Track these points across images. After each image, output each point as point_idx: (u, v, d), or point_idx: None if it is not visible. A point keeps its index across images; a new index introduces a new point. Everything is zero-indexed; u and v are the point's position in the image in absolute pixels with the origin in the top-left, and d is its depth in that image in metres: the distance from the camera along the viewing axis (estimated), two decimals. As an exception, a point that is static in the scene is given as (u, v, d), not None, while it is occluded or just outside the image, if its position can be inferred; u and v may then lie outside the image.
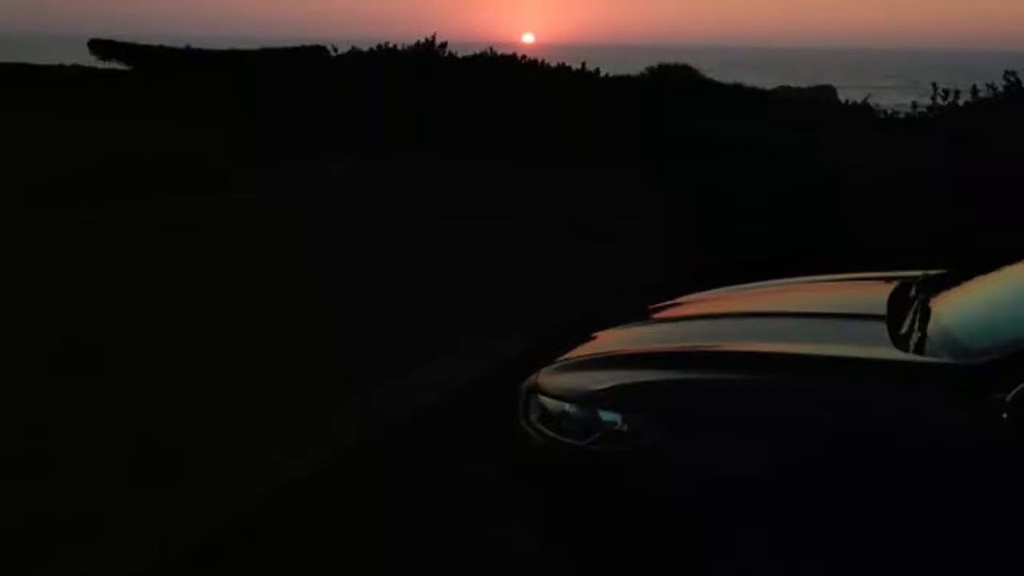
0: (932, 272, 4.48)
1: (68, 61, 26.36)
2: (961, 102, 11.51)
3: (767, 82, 32.71)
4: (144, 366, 6.35)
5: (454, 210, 11.69)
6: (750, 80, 28.73)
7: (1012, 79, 11.30)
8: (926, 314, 3.70)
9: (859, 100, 20.10)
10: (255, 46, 26.58)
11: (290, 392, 5.93)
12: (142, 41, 27.13)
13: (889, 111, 17.16)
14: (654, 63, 26.65)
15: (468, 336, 7.10)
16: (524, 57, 20.41)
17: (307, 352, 6.70)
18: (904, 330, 3.65)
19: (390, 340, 6.94)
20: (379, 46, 20.85)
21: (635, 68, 26.00)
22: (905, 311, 3.86)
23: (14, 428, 5.34)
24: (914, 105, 12.94)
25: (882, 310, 3.91)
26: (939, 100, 11.67)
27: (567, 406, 3.62)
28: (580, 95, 17.85)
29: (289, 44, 25.88)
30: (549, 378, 3.87)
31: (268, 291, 8.19)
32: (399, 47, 20.45)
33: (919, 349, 3.44)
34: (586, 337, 4.36)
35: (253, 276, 8.71)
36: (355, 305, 7.76)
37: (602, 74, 20.44)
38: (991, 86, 11.53)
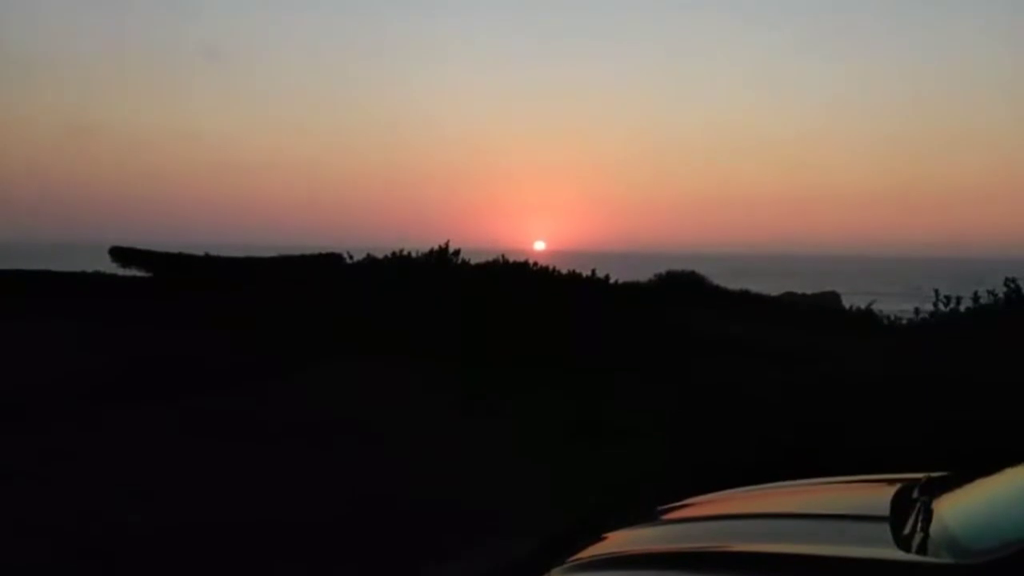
0: (935, 474, 4.56)
1: (91, 268, 27.00)
2: (963, 308, 11.73)
3: (773, 288, 33.23)
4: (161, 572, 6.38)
5: (464, 410, 11.82)
6: (756, 287, 29.25)
7: (1012, 286, 11.54)
8: (929, 515, 3.77)
9: (863, 306, 20.45)
10: (273, 253, 27.29)
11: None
12: (162, 248, 27.88)
13: (892, 317, 17.47)
14: (662, 270, 27.25)
15: (481, 536, 7.13)
16: (535, 264, 20.87)
17: (327, 555, 6.71)
18: (907, 531, 3.71)
19: (404, 542, 6.97)
20: (394, 253, 21.41)
21: (644, 274, 26.57)
22: (908, 512, 3.93)
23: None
24: (917, 311, 13.19)
25: (885, 511, 3.98)
26: (941, 307, 11.91)
27: (578, 605, 3.66)
28: (589, 300, 18.22)
29: (306, 251, 26.57)
30: (560, 578, 3.92)
31: (286, 494, 8.26)
32: (413, 254, 21.00)
33: (922, 549, 3.50)
34: (597, 537, 4.42)
35: (270, 477, 8.80)
36: (373, 507, 7.83)
37: (611, 280, 20.89)
38: (992, 292, 11.76)
